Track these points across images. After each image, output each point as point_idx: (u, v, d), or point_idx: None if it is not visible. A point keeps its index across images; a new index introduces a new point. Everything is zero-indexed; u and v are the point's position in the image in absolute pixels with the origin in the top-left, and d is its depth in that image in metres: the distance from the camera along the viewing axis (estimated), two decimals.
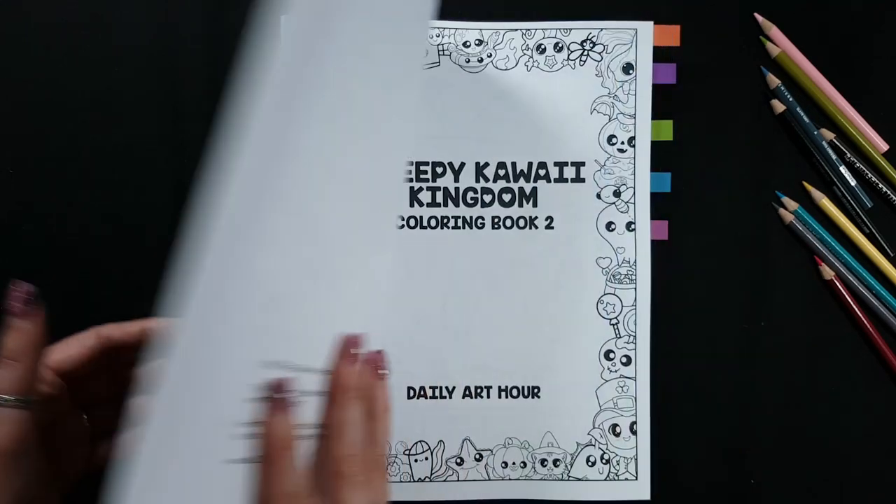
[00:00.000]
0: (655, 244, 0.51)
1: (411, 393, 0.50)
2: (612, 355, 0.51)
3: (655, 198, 0.51)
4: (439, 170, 0.50)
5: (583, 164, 0.50)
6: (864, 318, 0.50)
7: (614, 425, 0.51)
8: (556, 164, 0.50)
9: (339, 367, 0.36)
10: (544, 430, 0.50)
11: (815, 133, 0.50)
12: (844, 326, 0.51)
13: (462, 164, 0.50)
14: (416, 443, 0.50)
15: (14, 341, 0.34)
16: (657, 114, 0.51)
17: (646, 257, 0.50)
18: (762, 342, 0.51)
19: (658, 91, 0.51)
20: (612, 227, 0.50)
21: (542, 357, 0.50)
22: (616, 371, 0.50)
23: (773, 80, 0.51)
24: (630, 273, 0.50)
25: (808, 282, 0.51)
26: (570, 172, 0.50)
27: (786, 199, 0.51)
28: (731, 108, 0.51)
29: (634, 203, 0.50)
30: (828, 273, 0.50)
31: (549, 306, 0.50)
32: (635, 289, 0.50)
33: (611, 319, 0.51)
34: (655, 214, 0.51)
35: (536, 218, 0.50)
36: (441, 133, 0.50)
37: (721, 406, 0.51)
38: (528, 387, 0.50)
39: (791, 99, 0.51)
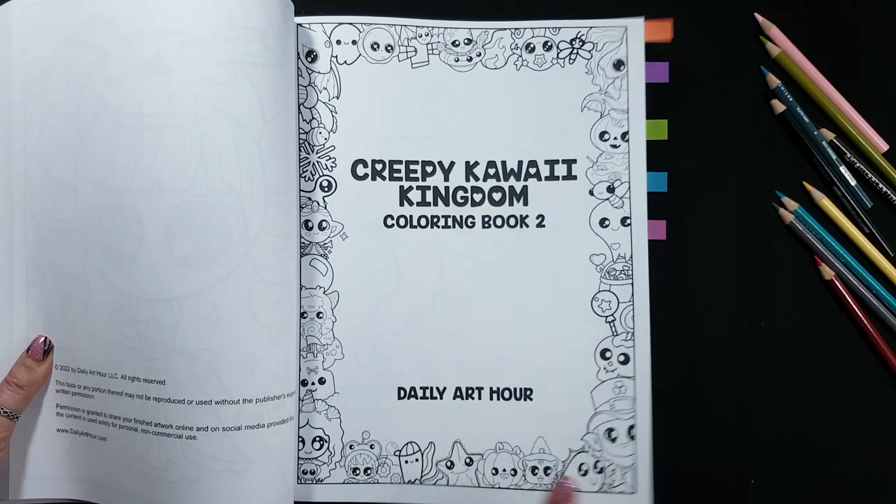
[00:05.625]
0: (653, 244, 0.51)
1: (402, 393, 0.50)
2: (608, 354, 0.49)
3: (652, 197, 0.51)
4: (429, 169, 0.50)
5: (574, 161, 0.50)
6: (864, 318, 0.50)
7: (610, 429, 0.49)
8: (546, 161, 0.50)
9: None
10: (536, 434, 0.49)
11: (815, 133, 0.51)
12: (844, 326, 0.51)
13: (452, 164, 0.50)
14: (407, 444, 0.50)
15: (27, 375, 0.46)
16: (651, 113, 0.50)
17: (643, 252, 0.49)
18: (762, 342, 0.51)
19: (651, 90, 0.50)
20: (606, 223, 0.49)
21: (535, 357, 0.49)
22: (613, 371, 0.49)
23: (773, 80, 0.51)
24: (626, 269, 0.49)
25: (808, 282, 0.51)
26: (561, 170, 0.50)
27: (786, 199, 0.51)
28: (731, 108, 0.51)
29: (630, 198, 0.49)
30: (828, 273, 0.50)
31: (542, 305, 0.49)
32: (632, 284, 0.49)
33: (606, 317, 0.49)
34: (652, 214, 0.51)
35: (527, 216, 0.50)
36: (430, 132, 0.50)
37: (721, 406, 0.51)
38: (521, 388, 0.49)
39: (791, 99, 0.51)
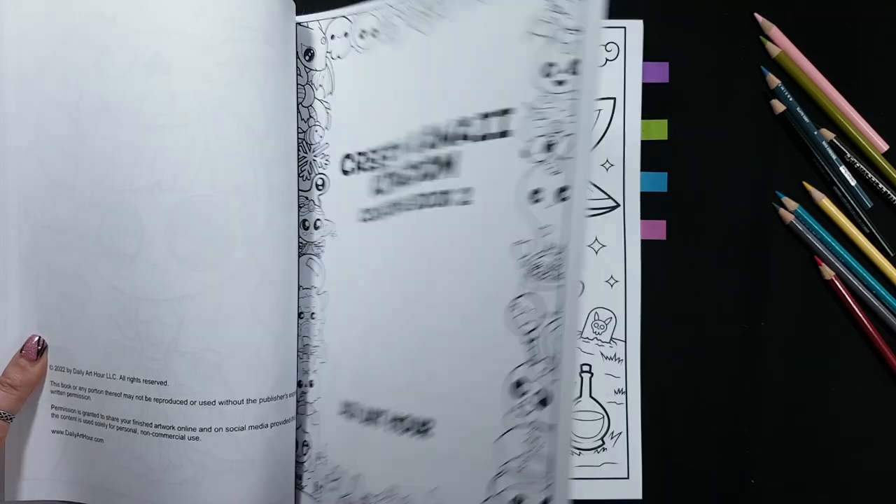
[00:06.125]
0: (653, 244, 0.51)
1: (344, 407, 0.45)
2: (524, 388, 0.36)
3: (652, 197, 0.51)
4: (390, 152, 0.44)
5: (509, 111, 0.37)
6: (864, 318, 0.50)
7: (519, 500, 0.36)
8: (481, 116, 0.38)
9: None
10: (433, 483, 0.39)
11: (815, 133, 0.51)
12: (844, 326, 0.51)
13: (410, 137, 0.43)
14: (336, 467, 0.45)
15: (21, 375, 0.45)
16: (651, 113, 0.50)
17: (582, 240, 0.35)
18: (762, 342, 0.51)
19: (651, 90, 0.50)
20: (539, 196, 0.36)
21: (435, 381, 0.40)
22: (527, 414, 0.35)
23: (773, 80, 0.51)
24: (557, 264, 0.35)
25: (808, 282, 0.51)
26: (495, 125, 0.38)
27: (786, 199, 0.51)
28: (731, 108, 0.51)
29: (574, 158, 0.35)
30: (828, 273, 0.50)
31: (451, 312, 0.39)
32: (564, 288, 0.35)
33: (524, 333, 0.36)
34: (652, 214, 0.51)
35: (450, 192, 0.39)
36: (401, 110, 0.44)
37: (721, 406, 0.51)
38: (419, 420, 0.40)
39: (791, 99, 0.51)
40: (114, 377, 0.45)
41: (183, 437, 0.44)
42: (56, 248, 0.45)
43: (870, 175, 0.50)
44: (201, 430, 0.43)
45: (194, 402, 0.43)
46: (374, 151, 0.46)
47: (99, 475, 0.47)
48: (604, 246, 0.50)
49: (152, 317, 0.43)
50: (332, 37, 0.49)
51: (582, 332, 0.50)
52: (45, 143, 0.45)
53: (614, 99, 0.50)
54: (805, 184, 0.51)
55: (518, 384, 0.36)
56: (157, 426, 0.44)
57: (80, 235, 0.45)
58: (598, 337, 0.50)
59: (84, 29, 0.44)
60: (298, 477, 0.49)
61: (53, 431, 0.47)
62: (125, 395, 0.45)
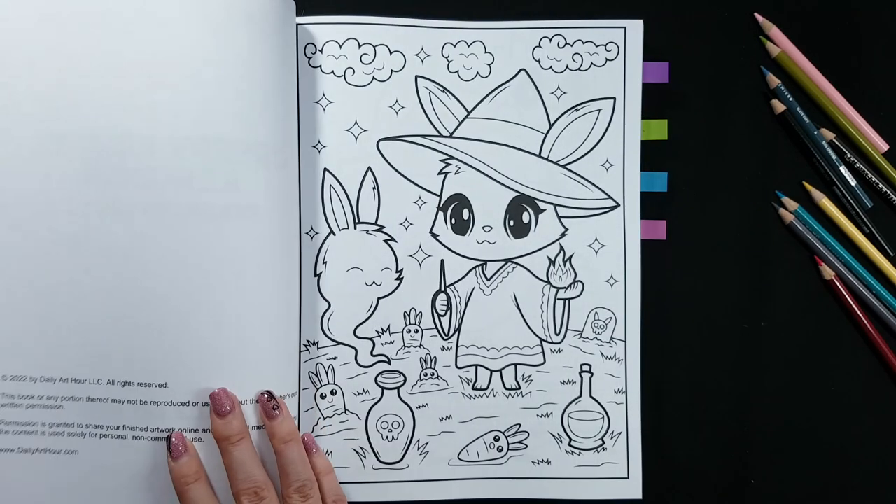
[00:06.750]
0: (653, 244, 0.51)
1: None
2: None
3: (652, 197, 0.51)
4: None
5: None
6: (864, 318, 0.50)
7: None
8: None
9: (212, 423, 0.42)
10: None
11: (815, 133, 0.51)
12: (844, 326, 0.51)
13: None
14: None
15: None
16: (651, 113, 0.50)
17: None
18: (762, 342, 0.51)
19: (651, 90, 0.51)
20: None
21: None
22: None
23: (773, 80, 0.51)
24: None
25: (808, 282, 0.51)
26: None
27: (786, 199, 0.51)
28: (731, 108, 0.51)
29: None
30: (828, 273, 0.50)
31: None
32: None
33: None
34: (652, 214, 0.51)
35: None
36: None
37: (720, 406, 0.51)
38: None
39: (791, 99, 0.51)
40: (99, 382, 0.43)
41: None
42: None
43: (870, 175, 0.50)
44: (203, 431, 0.43)
45: (196, 404, 0.43)
46: None
47: (69, 490, 0.43)
48: (604, 246, 0.50)
49: (151, 317, 0.43)
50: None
51: (582, 331, 0.50)
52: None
53: (614, 99, 0.50)
54: (805, 184, 0.51)
55: None
56: (152, 430, 0.43)
57: (68, 235, 0.42)
58: (598, 337, 0.50)
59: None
60: None
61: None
62: (113, 400, 0.43)
